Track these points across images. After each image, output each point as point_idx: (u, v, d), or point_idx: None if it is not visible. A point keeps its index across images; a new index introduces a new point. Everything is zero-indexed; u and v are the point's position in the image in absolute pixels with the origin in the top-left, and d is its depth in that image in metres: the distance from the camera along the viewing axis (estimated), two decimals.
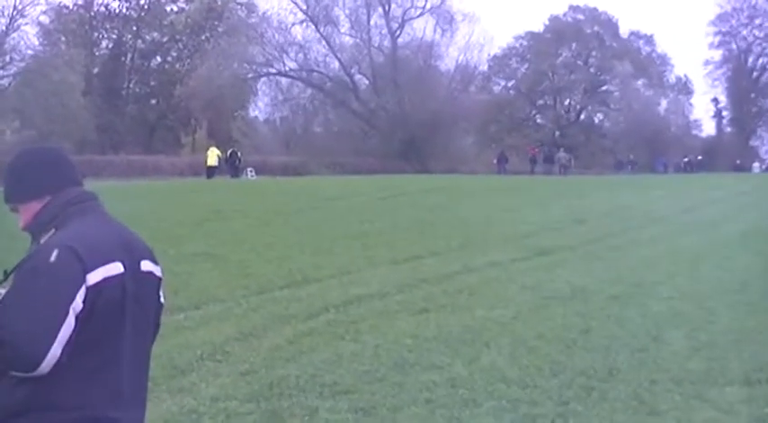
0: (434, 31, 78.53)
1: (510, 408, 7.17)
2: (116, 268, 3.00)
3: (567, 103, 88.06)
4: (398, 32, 77.80)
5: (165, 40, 75.31)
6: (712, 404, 7.20)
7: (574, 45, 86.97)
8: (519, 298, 12.06)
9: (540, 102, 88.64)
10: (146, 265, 3.16)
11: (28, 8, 63.51)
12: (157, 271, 3.25)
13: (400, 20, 77.78)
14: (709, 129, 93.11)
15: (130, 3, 72.06)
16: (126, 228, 3.25)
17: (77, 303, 2.87)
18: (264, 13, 76.57)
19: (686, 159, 71.94)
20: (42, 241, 3.07)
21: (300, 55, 76.88)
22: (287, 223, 22.15)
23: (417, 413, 7.12)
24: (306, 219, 23.19)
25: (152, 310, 3.24)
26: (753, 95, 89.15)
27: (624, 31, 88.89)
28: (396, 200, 29.54)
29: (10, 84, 63.52)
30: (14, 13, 61.90)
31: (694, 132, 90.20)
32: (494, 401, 7.31)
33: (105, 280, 2.95)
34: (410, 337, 9.63)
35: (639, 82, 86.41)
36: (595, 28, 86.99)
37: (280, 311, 11.07)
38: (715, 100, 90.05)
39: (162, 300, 3.34)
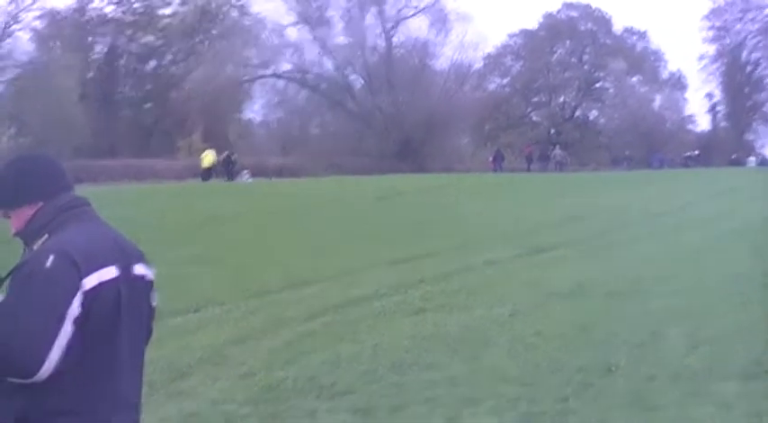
0: (429, 30, 78.66)
1: (509, 406, 7.16)
2: (111, 273, 3.00)
3: (561, 100, 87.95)
4: (393, 32, 77.84)
5: (159, 43, 75.07)
6: (711, 399, 7.19)
7: (568, 42, 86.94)
8: (517, 296, 12.04)
9: (535, 99, 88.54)
10: (138, 269, 3.17)
11: (21, 14, 63.40)
12: (150, 275, 3.26)
13: (394, 20, 77.80)
14: (704, 124, 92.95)
15: (124, 7, 71.82)
16: (118, 232, 3.25)
17: (74, 309, 2.87)
18: (258, 15, 76.47)
19: (687, 154, 71.82)
20: (35, 247, 3.06)
21: (295, 56, 76.94)
22: (284, 225, 22.15)
23: (417, 412, 7.12)
24: (303, 220, 23.18)
25: (145, 313, 3.24)
26: (747, 90, 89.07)
27: (618, 28, 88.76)
28: (393, 200, 29.53)
29: (5, 90, 63.36)
30: (8, 18, 61.83)
31: (689, 127, 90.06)
32: (493, 400, 7.31)
33: (101, 284, 2.96)
34: (408, 337, 9.63)
35: (634, 78, 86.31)
36: (589, 25, 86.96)
37: (278, 314, 11.09)
38: (709, 95, 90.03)
39: (154, 303, 3.34)
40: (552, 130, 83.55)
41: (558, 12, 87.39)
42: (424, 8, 77.88)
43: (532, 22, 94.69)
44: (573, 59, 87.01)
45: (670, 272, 14.09)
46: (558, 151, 65.25)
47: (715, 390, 7.46)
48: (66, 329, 2.85)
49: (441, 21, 78.11)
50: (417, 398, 7.43)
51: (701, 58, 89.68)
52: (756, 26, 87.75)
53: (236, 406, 7.34)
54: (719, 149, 78.47)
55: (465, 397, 7.42)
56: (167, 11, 74.52)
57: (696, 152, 73.74)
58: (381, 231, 20.51)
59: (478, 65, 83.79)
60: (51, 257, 2.91)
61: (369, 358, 8.77)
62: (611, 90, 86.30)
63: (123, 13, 71.75)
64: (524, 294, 12.22)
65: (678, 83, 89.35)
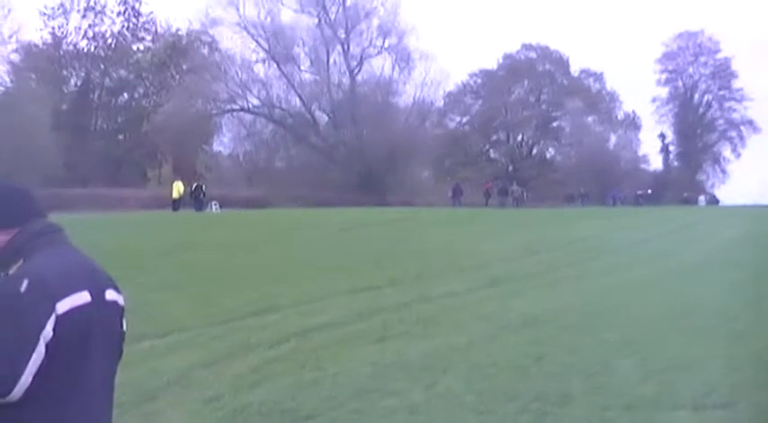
0: (392, 68, 79.66)
1: None
2: (83, 297, 3.07)
3: (519, 138, 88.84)
4: (357, 70, 78.66)
5: (131, 77, 75.89)
6: None
7: (526, 82, 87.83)
8: (474, 326, 12.22)
9: (494, 137, 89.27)
10: (110, 295, 3.24)
11: None
12: (120, 300, 3.34)
13: (359, 58, 78.64)
14: (657, 163, 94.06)
15: (98, 42, 72.75)
16: (90, 258, 3.34)
17: (47, 332, 2.94)
18: (227, 51, 77.23)
19: (639, 193, 72.77)
20: (11, 272, 3.14)
21: (263, 92, 77.57)
22: (250, 254, 22.13)
23: None
24: (268, 250, 23.26)
25: (116, 337, 3.31)
26: (699, 131, 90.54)
27: (575, 69, 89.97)
28: (355, 232, 29.66)
29: None
30: None
31: (643, 166, 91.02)
32: None
33: (73, 309, 3.02)
34: (369, 364, 9.78)
35: (590, 118, 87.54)
36: (547, 66, 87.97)
37: (243, 339, 11.17)
38: (662, 135, 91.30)
39: (124, 328, 3.41)
40: (510, 167, 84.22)
41: (518, 52, 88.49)
42: (387, 47, 78.86)
43: (492, 63, 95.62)
44: (531, 99, 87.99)
45: (623, 305, 14.35)
46: (515, 187, 65.92)
47: (666, 419, 7.74)
48: (40, 352, 2.92)
49: (404, 59, 79.15)
50: None
51: (655, 99, 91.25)
52: (708, 70, 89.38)
53: None
54: (672, 188, 79.48)
55: None
56: (140, 46, 75.22)
57: (648, 191, 74.70)
58: (343, 261, 20.63)
59: (439, 103, 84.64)
60: (26, 282, 2.97)
61: (331, 384, 8.87)
62: (567, 129, 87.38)
63: (97, 47, 72.31)
64: (481, 325, 12.37)
65: (632, 123, 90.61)
